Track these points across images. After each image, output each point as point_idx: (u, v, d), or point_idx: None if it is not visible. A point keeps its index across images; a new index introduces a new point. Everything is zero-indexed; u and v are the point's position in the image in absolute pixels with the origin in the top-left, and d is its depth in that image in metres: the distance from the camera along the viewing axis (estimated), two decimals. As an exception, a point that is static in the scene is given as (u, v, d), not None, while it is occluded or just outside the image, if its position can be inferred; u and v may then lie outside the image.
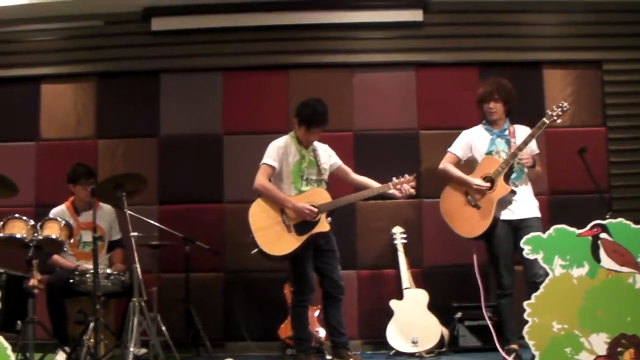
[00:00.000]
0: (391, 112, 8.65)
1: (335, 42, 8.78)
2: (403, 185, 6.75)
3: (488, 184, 6.74)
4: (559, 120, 6.69)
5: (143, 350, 6.40)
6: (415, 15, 8.68)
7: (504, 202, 6.76)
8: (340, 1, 8.75)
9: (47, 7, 8.57)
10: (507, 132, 6.98)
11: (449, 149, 7.16)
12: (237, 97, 8.72)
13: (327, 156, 7.01)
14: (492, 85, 6.98)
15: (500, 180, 6.72)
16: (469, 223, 6.83)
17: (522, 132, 6.95)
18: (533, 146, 6.96)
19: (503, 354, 6.50)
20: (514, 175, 6.82)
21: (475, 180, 6.80)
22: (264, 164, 6.75)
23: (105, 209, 7.63)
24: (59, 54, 8.88)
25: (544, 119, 6.64)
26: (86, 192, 7.46)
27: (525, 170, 6.89)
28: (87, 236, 7.31)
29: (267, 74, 8.78)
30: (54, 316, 7.01)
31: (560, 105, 6.68)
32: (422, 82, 8.69)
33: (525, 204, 6.84)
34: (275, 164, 6.73)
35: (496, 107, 6.96)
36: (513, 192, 6.76)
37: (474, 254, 6.87)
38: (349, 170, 7.14)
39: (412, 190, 6.79)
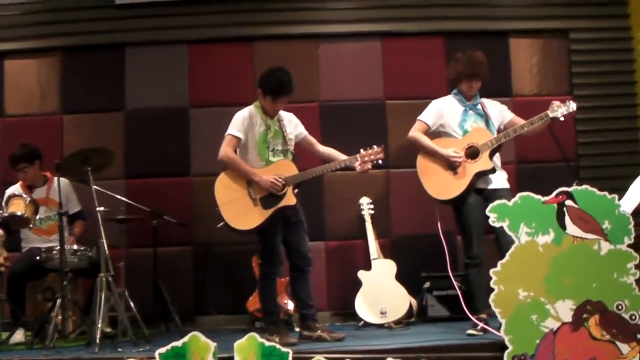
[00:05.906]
0: (357, 82, 8.66)
1: (300, 13, 8.77)
2: (365, 162, 6.65)
3: (461, 155, 6.68)
4: (562, 118, 6.57)
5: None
6: (380, -16, 8.66)
7: (481, 176, 6.68)
8: (305, -29, 8.73)
9: (9, -19, 8.49)
10: (479, 106, 6.91)
11: (419, 117, 6.98)
12: (202, 69, 8.71)
13: (293, 126, 6.90)
14: (473, 65, 6.81)
15: (486, 155, 6.64)
16: (443, 185, 6.71)
17: (492, 107, 6.96)
18: (506, 112, 7.01)
19: (474, 319, 6.40)
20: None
21: (447, 150, 6.70)
22: (228, 134, 6.62)
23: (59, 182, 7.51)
24: (22, 29, 8.79)
25: (548, 112, 6.56)
26: (22, 177, 7.51)
27: None
28: (42, 212, 7.26)
29: (232, 46, 8.76)
30: (12, 299, 6.96)
31: (568, 104, 6.59)
32: (388, 52, 8.71)
33: (497, 175, 6.78)
34: (241, 135, 6.61)
35: (477, 85, 6.88)
36: (493, 171, 6.70)
37: (439, 221, 6.80)
38: (314, 141, 7.01)
39: (369, 166, 6.67)
